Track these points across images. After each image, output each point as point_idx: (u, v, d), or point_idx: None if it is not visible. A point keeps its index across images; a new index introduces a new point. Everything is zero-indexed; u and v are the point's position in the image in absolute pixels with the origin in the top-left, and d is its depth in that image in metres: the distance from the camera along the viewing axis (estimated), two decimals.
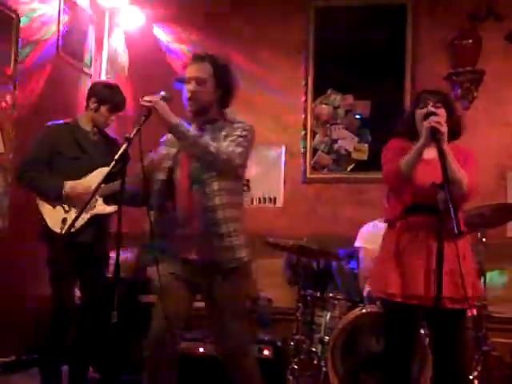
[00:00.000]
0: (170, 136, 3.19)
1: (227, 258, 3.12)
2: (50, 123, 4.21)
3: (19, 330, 4.86)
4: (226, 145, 3.04)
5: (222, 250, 3.11)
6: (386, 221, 3.28)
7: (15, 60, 4.97)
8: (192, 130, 3.02)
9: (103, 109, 4.15)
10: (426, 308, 2.99)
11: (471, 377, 4.22)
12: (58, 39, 5.51)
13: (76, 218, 3.11)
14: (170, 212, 3.17)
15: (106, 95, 4.16)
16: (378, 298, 3.21)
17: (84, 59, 5.89)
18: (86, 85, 5.65)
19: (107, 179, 3.87)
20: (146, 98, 2.95)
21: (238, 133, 3.11)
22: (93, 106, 4.17)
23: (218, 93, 3.17)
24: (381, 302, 3.22)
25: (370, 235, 4.83)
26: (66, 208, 4.01)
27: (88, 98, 4.21)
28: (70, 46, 5.67)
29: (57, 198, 4.01)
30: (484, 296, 4.24)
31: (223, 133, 3.13)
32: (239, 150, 3.06)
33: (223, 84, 3.17)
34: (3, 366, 4.76)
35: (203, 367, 4.19)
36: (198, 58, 3.16)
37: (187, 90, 3.12)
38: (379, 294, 3.17)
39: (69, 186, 4.00)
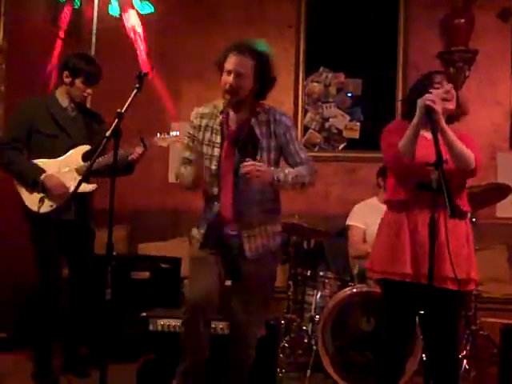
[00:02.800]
0: (202, 109, 3.23)
1: (266, 244, 3.21)
2: (26, 99, 4.12)
3: (10, 308, 4.85)
4: (308, 165, 3.23)
5: (263, 237, 3.20)
6: (385, 202, 3.25)
7: (4, 32, 4.88)
8: (286, 175, 3.11)
9: (78, 82, 4.01)
10: (426, 287, 2.94)
11: (460, 356, 4.26)
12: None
13: (66, 204, 3.13)
14: (214, 199, 3.20)
15: (80, 67, 3.99)
16: (378, 279, 3.19)
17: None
18: None
19: (87, 157, 3.87)
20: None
21: (294, 134, 3.26)
22: (67, 79, 4.02)
23: (256, 87, 3.13)
24: (381, 282, 3.18)
25: (361, 214, 4.83)
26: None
27: (61, 72, 4.06)
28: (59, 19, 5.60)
29: (32, 186, 3.93)
30: None
31: (274, 128, 3.16)
32: (310, 157, 3.30)
33: (263, 79, 3.14)
34: None
35: None
36: (241, 50, 3.09)
37: (226, 81, 3.08)
38: (380, 274, 3.13)
39: (45, 176, 3.92)
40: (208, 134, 3.18)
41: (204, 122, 3.20)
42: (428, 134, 2.99)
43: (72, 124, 4.07)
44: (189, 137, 3.24)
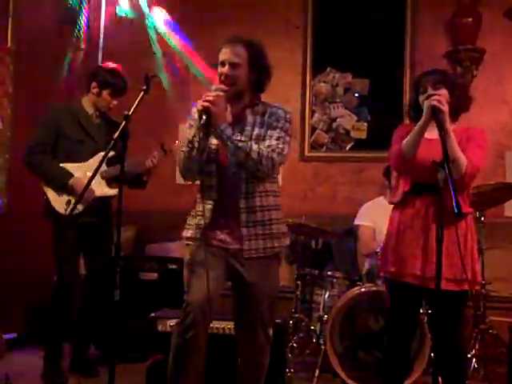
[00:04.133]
0: None
1: (270, 245, 3.07)
2: (53, 104, 4.23)
3: (20, 307, 4.87)
4: (267, 147, 2.95)
5: (265, 238, 3.05)
6: (390, 202, 3.29)
7: (12, 35, 4.92)
8: (235, 134, 2.93)
9: (105, 93, 4.18)
10: (424, 287, 3.01)
11: (469, 355, 4.26)
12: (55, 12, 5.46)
13: (77, 203, 3.14)
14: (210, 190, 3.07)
15: (108, 80, 4.17)
16: (382, 276, 3.25)
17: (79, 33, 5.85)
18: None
19: (111, 162, 3.93)
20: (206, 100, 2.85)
21: (281, 125, 3.04)
22: (94, 90, 4.19)
23: (253, 77, 3.06)
24: (383, 279, 3.25)
25: (370, 213, 4.83)
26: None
27: (89, 82, 4.21)
28: (66, 20, 5.63)
29: (62, 189, 4.03)
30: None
31: (267, 119, 3.04)
32: (279, 148, 2.98)
33: (258, 68, 3.07)
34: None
35: None
36: (232, 41, 3.05)
37: (221, 72, 3.02)
38: (381, 271, 3.21)
39: (74, 179, 4.02)
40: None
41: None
42: (429, 134, 3.02)
43: (97, 130, 4.21)
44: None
